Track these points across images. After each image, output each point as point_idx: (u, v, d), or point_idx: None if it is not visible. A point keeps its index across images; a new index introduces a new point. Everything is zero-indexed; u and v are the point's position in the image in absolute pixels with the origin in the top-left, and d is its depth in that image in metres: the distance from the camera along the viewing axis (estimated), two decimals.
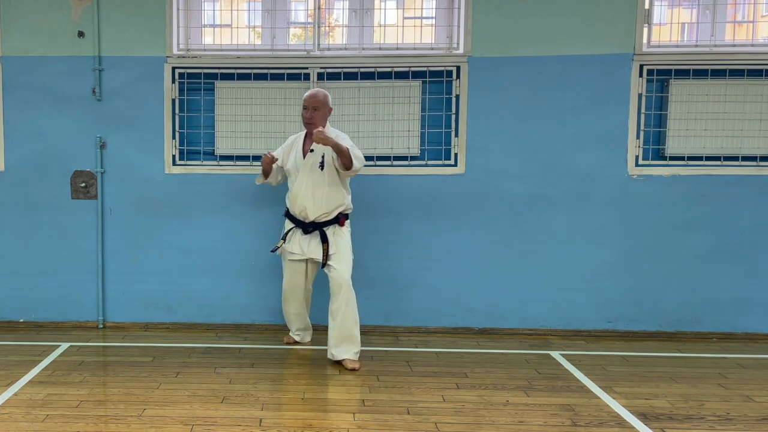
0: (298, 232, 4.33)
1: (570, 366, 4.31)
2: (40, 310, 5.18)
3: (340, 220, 4.28)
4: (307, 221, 4.27)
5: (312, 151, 4.22)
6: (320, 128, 4.08)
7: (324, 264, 4.23)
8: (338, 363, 4.23)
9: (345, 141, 4.17)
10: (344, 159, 4.07)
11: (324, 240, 4.23)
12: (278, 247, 4.41)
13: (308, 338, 4.74)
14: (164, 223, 5.11)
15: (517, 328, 5.09)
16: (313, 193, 4.21)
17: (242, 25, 5.17)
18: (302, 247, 4.31)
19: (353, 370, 4.14)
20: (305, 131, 4.36)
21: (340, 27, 5.27)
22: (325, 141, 3.99)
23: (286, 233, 4.38)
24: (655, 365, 4.36)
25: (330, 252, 4.21)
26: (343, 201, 4.28)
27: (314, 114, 4.19)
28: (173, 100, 5.07)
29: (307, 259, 4.38)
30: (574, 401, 3.70)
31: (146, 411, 3.51)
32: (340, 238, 4.27)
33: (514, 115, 4.97)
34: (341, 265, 4.21)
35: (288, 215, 4.41)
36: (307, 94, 4.25)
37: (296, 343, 4.70)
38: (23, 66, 5.03)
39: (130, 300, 5.16)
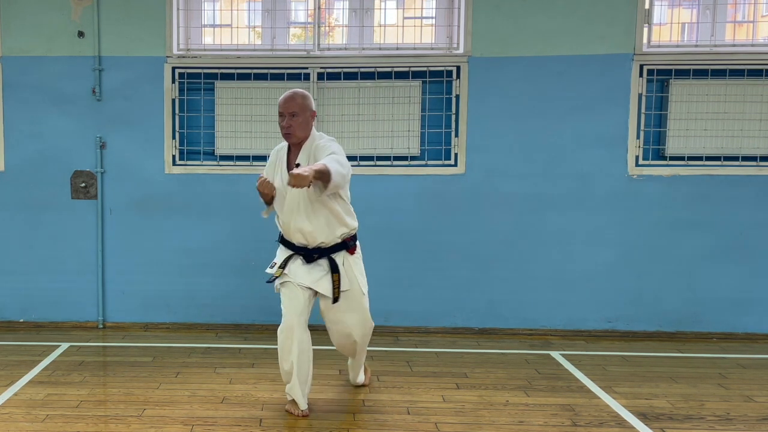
0: (299, 259, 3.46)
1: (570, 366, 4.31)
2: (40, 310, 5.19)
3: (349, 247, 3.51)
4: (310, 247, 3.44)
5: (298, 165, 3.35)
6: (295, 171, 3.08)
7: (335, 299, 3.44)
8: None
9: (326, 150, 3.36)
10: (324, 181, 3.21)
11: (335, 270, 3.43)
12: (276, 277, 3.47)
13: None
14: (164, 223, 5.11)
15: (517, 328, 5.09)
16: (309, 214, 3.38)
17: (242, 25, 5.17)
18: (307, 275, 3.43)
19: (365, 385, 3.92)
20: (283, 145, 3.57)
21: (340, 27, 5.27)
22: (302, 183, 3.05)
23: (286, 260, 3.47)
24: (655, 365, 4.36)
25: (342, 288, 3.43)
26: (346, 221, 3.47)
27: (292, 122, 3.36)
28: (173, 100, 5.07)
29: (309, 289, 3.46)
30: (574, 401, 3.70)
31: (146, 411, 3.51)
32: (352, 269, 3.50)
33: (514, 115, 4.97)
34: (354, 315, 3.50)
35: (283, 241, 3.53)
36: (281, 98, 3.42)
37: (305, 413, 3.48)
38: (23, 66, 5.03)
39: (130, 300, 5.16)
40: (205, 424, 3.34)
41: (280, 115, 3.40)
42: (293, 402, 3.49)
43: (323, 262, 3.46)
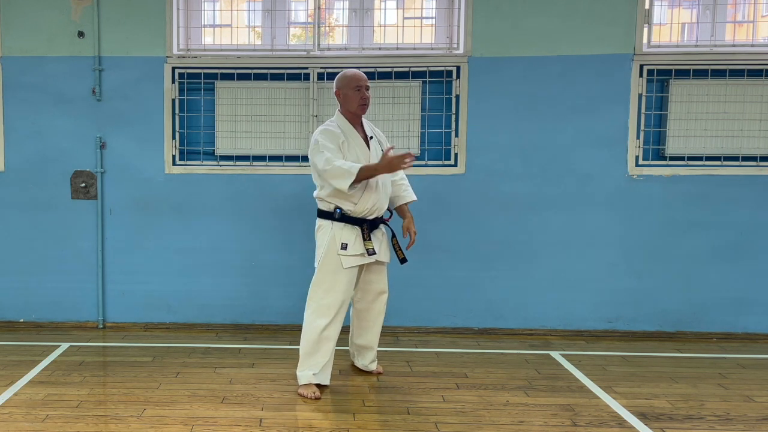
0: (356, 232, 3.71)
1: (570, 366, 4.31)
2: (40, 310, 5.19)
3: (389, 216, 3.89)
4: (370, 218, 3.73)
5: (371, 138, 3.79)
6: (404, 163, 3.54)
7: (402, 259, 3.87)
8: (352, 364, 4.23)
9: (385, 139, 3.99)
10: None
11: (393, 234, 3.90)
12: (373, 249, 3.72)
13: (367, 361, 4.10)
14: (164, 223, 5.11)
15: (517, 328, 5.09)
16: (383, 183, 3.74)
17: (242, 25, 5.17)
18: (376, 247, 3.76)
19: (380, 373, 4.14)
20: (332, 122, 3.77)
21: (340, 27, 5.27)
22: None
23: (362, 235, 3.71)
24: (655, 365, 4.36)
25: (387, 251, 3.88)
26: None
27: (368, 94, 3.71)
28: (173, 100, 5.07)
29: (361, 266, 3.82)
30: (574, 401, 3.70)
31: (146, 411, 3.51)
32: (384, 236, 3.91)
33: (514, 115, 4.97)
34: (385, 275, 3.97)
35: (344, 217, 3.71)
36: (358, 72, 3.71)
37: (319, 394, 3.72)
38: (23, 66, 5.03)
39: (130, 300, 5.16)
40: (205, 424, 3.34)
41: (358, 88, 3.67)
42: (309, 386, 3.73)
43: (377, 233, 3.81)
